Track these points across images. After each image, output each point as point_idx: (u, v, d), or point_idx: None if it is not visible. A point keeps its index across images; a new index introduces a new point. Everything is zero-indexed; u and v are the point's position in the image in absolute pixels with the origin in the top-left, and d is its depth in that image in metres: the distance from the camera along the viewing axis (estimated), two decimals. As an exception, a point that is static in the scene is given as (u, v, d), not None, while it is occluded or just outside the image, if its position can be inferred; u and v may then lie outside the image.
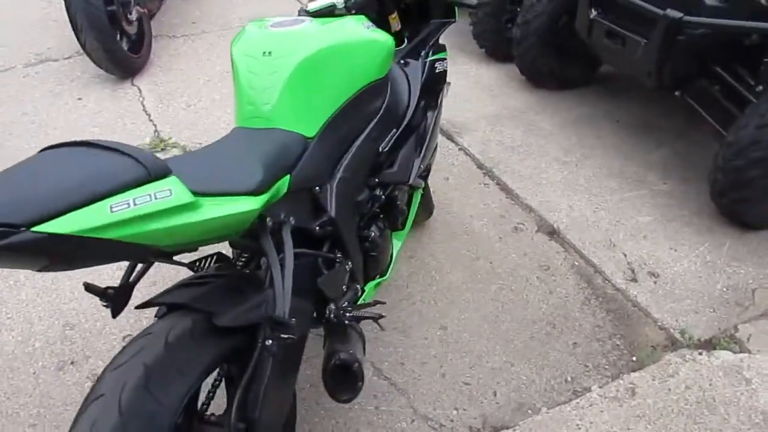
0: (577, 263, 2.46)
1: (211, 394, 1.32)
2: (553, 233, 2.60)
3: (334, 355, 1.44)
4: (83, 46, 3.18)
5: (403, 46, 1.96)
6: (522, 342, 2.11)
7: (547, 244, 2.55)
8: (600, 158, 3.08)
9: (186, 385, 1.12)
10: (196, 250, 1.20)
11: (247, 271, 1.44)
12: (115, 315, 1.29)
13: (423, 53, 1.94)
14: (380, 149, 1.68)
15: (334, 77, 1.50)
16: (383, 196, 1.74)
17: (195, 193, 1.03)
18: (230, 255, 1.56)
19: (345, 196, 1.55)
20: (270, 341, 1.20)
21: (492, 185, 2.89)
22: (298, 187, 1.39)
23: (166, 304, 1.21)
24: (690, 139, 3.17)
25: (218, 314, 1.20)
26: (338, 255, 1.54)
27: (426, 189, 2.31)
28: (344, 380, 1.44)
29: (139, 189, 0.92)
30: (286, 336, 1.19)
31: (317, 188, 1.47)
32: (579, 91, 3.62)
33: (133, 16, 3.35)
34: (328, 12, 1.79)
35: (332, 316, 1.52)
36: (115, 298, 1.26)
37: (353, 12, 1.84)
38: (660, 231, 2.62)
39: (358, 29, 1.60)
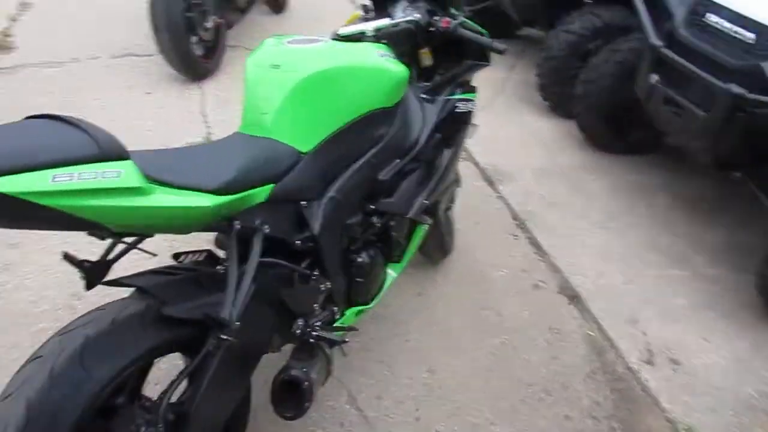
0: (591, 333, 2.31)
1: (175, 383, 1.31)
2: (574, 297, 2.47)
3: (287, 370, 1.42)
4: (159, 46, 3.38)
5: (430, 82, 1.95)
6: (510, 403, 1.99)
7: (565, 308, 2.42)
8: (646, 229, 2.92)
9: (119, 364, 1.13)
10: (150, 235, 1.22)
11: (221, 271, 1.45)
12: (88, 288, 1.31)
13: (445, 91, 1.92)
14: (379, 177, 1.66)
15: (336, 98, 1.50)
16: (378, 224, 1.71)
17: (151, 180, 1.05)
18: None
19: (332, 216, 1.53)
20: (211, 339, 1.19)
21: (522, 238, 2.79)
22: (281, 198, 1.38)
23: (128, 285, 1.24)
24: (751, 227, 2.95)
25: (168, 304, 1.21)
26: (315, 273, 1.52)
27: (439, 227, 2.26)
28: (291, 397, 1.41)
29: (87, 165, 0.95)
30: (224, 337, 1.18)
31: (304, 203, 1.47)
32: (639, 157, 3.47)
33: (209, 24, 3.53)
34: (356, 38, 1.81)
35: (298, 332, 1.50)
36: (90, 272, 1.28)
37: (382, 41, 1.85)
38: (694, 317, 2.44)
39: (370, 55, 1.60)
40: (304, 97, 1.46)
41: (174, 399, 1.28)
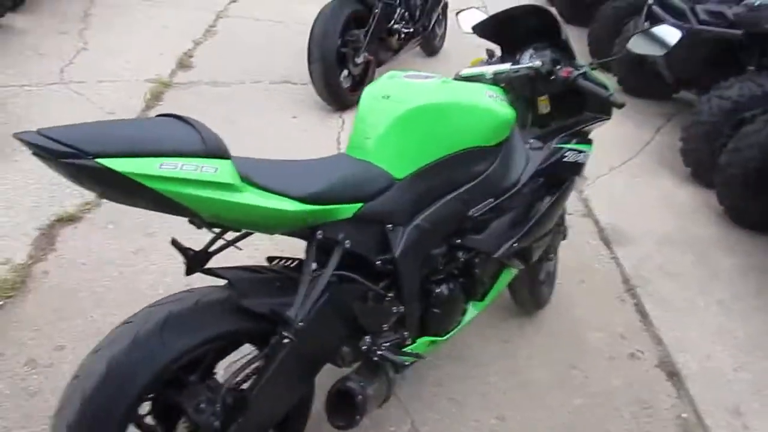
0: (685, 416, 2.15)
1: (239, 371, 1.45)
2: (673, 375, 2.32)
3: (344, 381, 1.51)
4: (311, 76, 3.72)
5: (544, 129, 1.98)
6: (578, 468, 1.92)
7: (661, 384, 2.27)
8: (775, 318, 2.65)
9: (192, 341, 1.29)
10: (239, 230, 1.38)
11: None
12: (188, 273, 1.50)
13: (557, 139, 1.94)
14: (470, 213, 1.72)
15: (436, 131, 1.60)
16: (462, 260, 1.77)
17: (245, 181, 1.22)
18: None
19: (416, 243, 1.62)
20: (276, 336, 1.33)
21: (629, 303, 2.67)
22: (367, 218, 1.50)
23: (219, 275, 1.42)
24: None
25: (247, 297, 1.37)
26: (390, 295, 1.61)
27: (534, 276, 2.25)
28: (345, 408, 1.50)
29: (191, 159, 1.13)
30: (286, 335, 1.31)
31: (390, 226, 1.58)
32: (783, 240, 3.17)
33: (360, 60, 3.82)
34: (476, 80, 1.91)
35: (364, 348, 1.59)
36: (193, 259, 1.48)
37: (500, 85, 1.93)
38: (814, 421, 2.18)
39: (477, 96, 1.69)
40: (406, 127, 1.58)
41: (238, 387, 1.42)
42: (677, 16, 3.74)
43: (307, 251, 1.42)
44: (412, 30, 4.15)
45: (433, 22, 4.52)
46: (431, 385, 2.12)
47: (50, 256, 2.40)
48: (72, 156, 1.02)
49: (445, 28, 5.06)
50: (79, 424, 1.20)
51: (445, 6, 4.96)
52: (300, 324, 1.33)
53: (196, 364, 1.37)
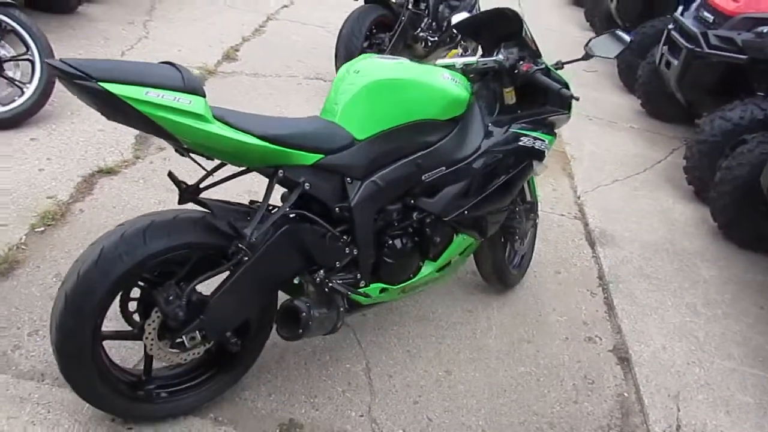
0: (626, 395, 2.31)
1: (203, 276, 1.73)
2: (624, 360, 2.47)
3: (295, 300, 1.78)
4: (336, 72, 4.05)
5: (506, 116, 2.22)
6: (509, 421, 2.11)
7: (610, 366, 2.44)
8: (743, 326, 2.76)
9: (167, 244, 1.60)
10: (211, 159, 1.68)
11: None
12: (180, 203, 1.81)
13: (511, 124, 2.17)
14: (423, 178, 1.98)
15: (393, 102, 1.88)
16: (416, 219, 2.03)
17: (215, 117, 1.52)
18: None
19: (371, 196, 1.88)
20: (232, 246, 1.62)
21: (599, 296, 2.83)
22: (327, 168, 1.79)
23: (203, 204, 1.72)
24: None
25: (216, 218, 1.67)
26: (344, 237, 1.88)
27: (496, 254, 2.46)
28: (291, 322, 1.77)
29: (171, 91, 1.44)
30: (240, 246, 1.60)
31: (348, 179, 1.85)
32: (770, 258, 3.25)
33: (384, 61, 4.13)
34: (448, 69, 2.18)
35: (317, 279, 1.86)
36: (185, 191, 1.78)
37: (469, 76, 2.19)
38: (754, 419, 2.29)
39: (433, 76, 1.96)
40: (368, 97, 1.87)
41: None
42: (690, 41, 3.89)
43: (269, 185, 1.72)
44: (437, 39, 4.43)
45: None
46: (391, 337, 2.35)
47: (87, 199, 2.78)
48: (82, 78, 1.35)
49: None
50: (74, 292, 1.54)
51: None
52: (252, 239, 1.62)
53: (173, 269, 1.68)
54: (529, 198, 2.57)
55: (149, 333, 1.67)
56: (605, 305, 2.78)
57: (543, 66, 2.18)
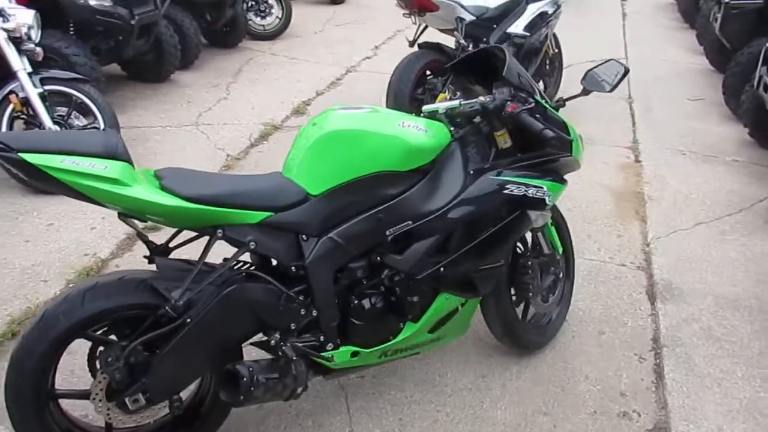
0: (655, 484, 1.94)
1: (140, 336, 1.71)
2: (663, 441, 2.09)
3: (238, 363, 1.71)
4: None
5: (495, 162, 2.02)
6: None
7: (643, 448, 2.07)
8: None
9: (102, 306, 1.62)
10: (144, 221, 1.68)
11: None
12: (149, 262, 1.86)
13: (499, 171, 1.97)
14: (386, 233, 1.84)
15: (346, 155, 1.79)
16: (385, 277, 1.89)
17: (156, 177, 1.54)
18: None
19: (328, 254, 1.79)
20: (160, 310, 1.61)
21: (648, 363, 2.45)
22: (279, 226, 1.74)
23: (156, 264, 1.75)
24: None
25: (158, 279, 1.68)
26: (300, 297, 1.79)
27: (506, 314, 2.22)
28: (231, 387, 1.70)
29: (87, 158, 1.48)
30: (166, 309, 1.59)
31: (303, 236, 1.78)
32: None
33: (440, 107, 4.03)
34: (429, 115, 2.05)
35: (272, 342, 1.79)
36: (154, 250, 1.82)
37: (456, 120, 2.04)
38: None
39: (389, 124, 1.84)
40: (320, 150, 1.82)
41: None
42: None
43: (206, 245, 1.70)
44: (499, 81, 4.24)
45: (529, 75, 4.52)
46: (385, 403, 2.19)
47: (125, 255, 2.94)
48: (4, 150, 1.44)
49: (557, 84, 5.02)
50: (17, 352, 1.62)
51: (558, 60, 4.96)
52: (179, 303, 1.60)
53: (124, 326, 1.71)
54: (546, 250, 2.30)
55: (96, 393, 1.69)
56: (654, 374, 2.39)
57: (531, 105, 1.98)
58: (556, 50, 4.99)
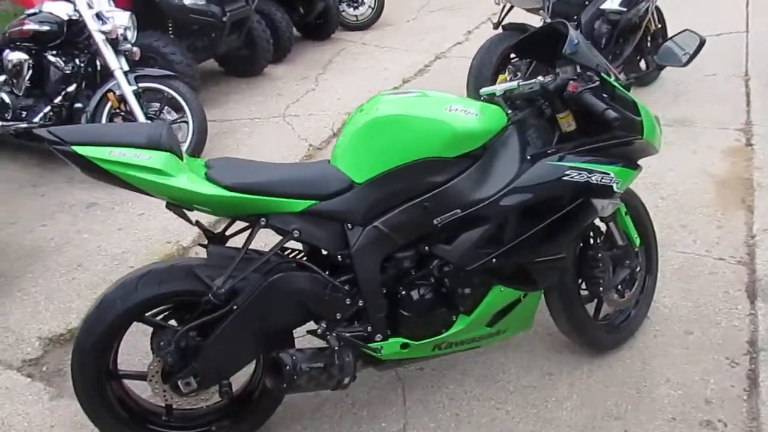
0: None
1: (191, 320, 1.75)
2: (752, 456, 1.87)
3: (281, 352, 1.72)
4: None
5: (554, 145, 1.88)
6: None
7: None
8: None
9: (154, 292, 1.70)
10: (191, 209, 1.72)
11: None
12: (207, 248, 1.92)
13: (554, 157, 1.82)
14: (434, 222, 1.77)
15: (392, 141, 1.74)
16: (434, 268, 1.82)
17: (182, 170, 1.59)
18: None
19: (374, 243, 1.75)
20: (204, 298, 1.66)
21: (741, 368, 2.20)
22: (323, 215, 1.73)
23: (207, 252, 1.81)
24: None
25: (205, 267, 1.73)
26: (346, 287, 1.77)
27: (572, 309, 2.07)
28: (275, 375, 1.72)
29: (132, 149, 1.55)
30: (208, 297, 1.63)
31: (348, 225, 1.76)
32: None
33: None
34: (489, 99, 1.95)
35: (318, 331, 1.79)
36: (212, 238, 1.88)
37: (516, 102, 1.93)
38: None
39: (435, 109, 1.75)
40: (365, 137, 1.79)
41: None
42: None
43: (249, 234, 1.72)
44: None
45: (625, 54, 4.18)
46: (443, 396, 2.13)
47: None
48: (58, 143, 1.54)
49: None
50: (82, 332, 1.72)
51: (661, 36, 4.57)
52: (221, 290, 1.63)
53: (183, 311, 1.78)
54: (620, 241, 2.12)
55: (153, 375, 1.77)
56: (747, 380, 2.14)
57: (596, 84, 1.82)
58: (659, 25, 4.59)
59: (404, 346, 1.87)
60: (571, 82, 1.83)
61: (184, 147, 3.62)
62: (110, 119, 3.58)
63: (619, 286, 2.16)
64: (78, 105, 3.66)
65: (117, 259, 2.93)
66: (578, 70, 1.89)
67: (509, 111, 1.89)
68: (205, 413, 1.93)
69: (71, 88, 3.65)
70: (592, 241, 2.13)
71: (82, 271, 2.90)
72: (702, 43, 1.83)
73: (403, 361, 1.95)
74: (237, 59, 5.22)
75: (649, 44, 4.48)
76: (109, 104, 3.53)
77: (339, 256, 1.77)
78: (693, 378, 2.16)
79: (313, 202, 1.72)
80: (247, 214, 1.71)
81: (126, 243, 3.06)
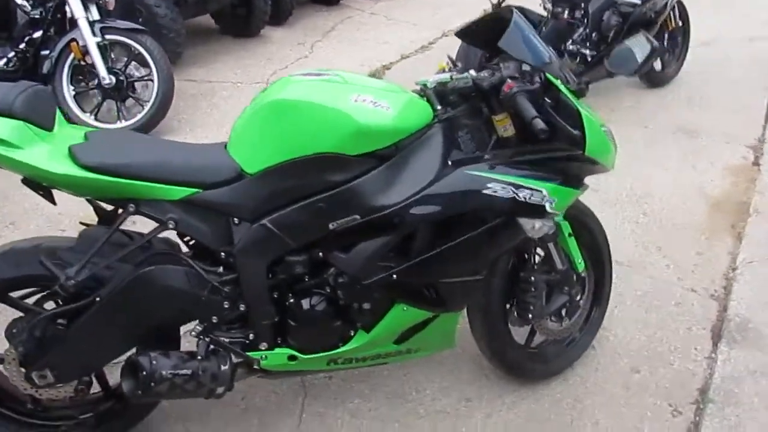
0: None
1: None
2: None
3: (140, 354, 1.54)
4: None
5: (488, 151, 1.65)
6: None
7: None
8: None
9: (12, 273, 1.54)
10: (45, 188, 1.53)
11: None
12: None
13: (477, 165, 1.58)
14: (330, 226, 1.55)
15: (288, 129, 1.52)
16: (328, 276, 1.62)
17: (34, 142, 1.39)
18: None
19: (261, 243, 1.55)
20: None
21: (683, 418, 1.96)
22: (205, 205, 1.53)
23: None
24: None
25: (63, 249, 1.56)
26: (227, 287, 1.58)
27: (494, 335, 1.85)
28: (132, 378, 1.54)
29: None
30: (56, 288, 1.46)
31: (235, 219, 1.56)
32: None
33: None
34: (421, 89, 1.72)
35: (192, 333, 1.61)
36: (102, 219, 1.69)
37: (449, 98, 1.69)
38: None
39: (341, 96, 1.52)
40: (261, 122, 1.58)
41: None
42: None
43: (116, 221, 1.53)
44: (597, 54, 3.63)
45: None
46: (344, 413, 1.94)
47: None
48: None
49: (679, 65, 4.26)
50: None
51: (681, 35, 4.21)
52: (70, 282, 1.45)
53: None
54: (560, 265, 1.87)
55: (9, 363, 1.61)
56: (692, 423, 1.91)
57: (535, 86, 1.57)
58: (680, 23, 4.22)
59: (292, 357, 1.68)
60: (509, 80, 1.59)
61: (148, 107, 3.44)
62: (72, 72, 3.42)
63: (554, 314, 1.93)
64: (45, 52, 3.50)
65: (52, 221, 2.78)
66: (523, 67, 1.65)
67: (439, 107, 1.65)
68: (70, 405, 1.77)
69: (37, 34, 3.49)
70: (528, 261, 1.90)
71: (13, 229, 2.77)
72: (653, 50, 1.59)
73: (298, 372, 1.77)
74: (233, 18, 5.00)
75: (666, 43, 4.11)
76: (72, 55, 3.36)
77: (222, 253, 1.58)
78: (625, 424, 1.93)
79: (195, 190, 1.52)
80: (112, 197, 1.51)
81: (65, 204, 2.89)
